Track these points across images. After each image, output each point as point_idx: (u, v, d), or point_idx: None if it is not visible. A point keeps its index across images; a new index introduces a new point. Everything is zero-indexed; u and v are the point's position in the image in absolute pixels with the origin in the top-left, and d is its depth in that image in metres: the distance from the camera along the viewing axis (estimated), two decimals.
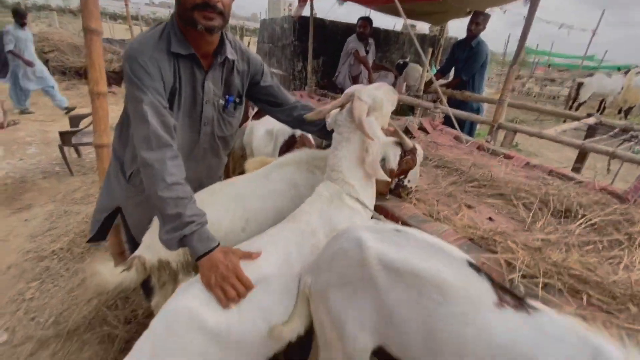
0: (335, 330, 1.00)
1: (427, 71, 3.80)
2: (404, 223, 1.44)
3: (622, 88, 10.06)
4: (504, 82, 2.65)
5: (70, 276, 2.53)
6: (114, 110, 1.96)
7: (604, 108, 10.57)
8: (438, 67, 5.06)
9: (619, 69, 12.55)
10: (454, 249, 0.96)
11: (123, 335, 1.99)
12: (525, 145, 6.88)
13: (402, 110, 4.26)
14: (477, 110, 3.97)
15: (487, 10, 4.19)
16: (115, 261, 1.24)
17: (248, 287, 1.01)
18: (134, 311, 2.16)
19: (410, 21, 4.12)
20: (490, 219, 1.53)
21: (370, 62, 4.67)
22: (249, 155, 2.50)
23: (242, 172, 1.64)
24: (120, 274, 1.16)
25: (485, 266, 1.16)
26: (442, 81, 4.30)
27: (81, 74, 8.58)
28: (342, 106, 1.37)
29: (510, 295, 0.85)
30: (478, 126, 4.33)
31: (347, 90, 1.37)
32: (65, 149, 4.18)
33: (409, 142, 1.48)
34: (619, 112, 10.57)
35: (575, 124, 3.21)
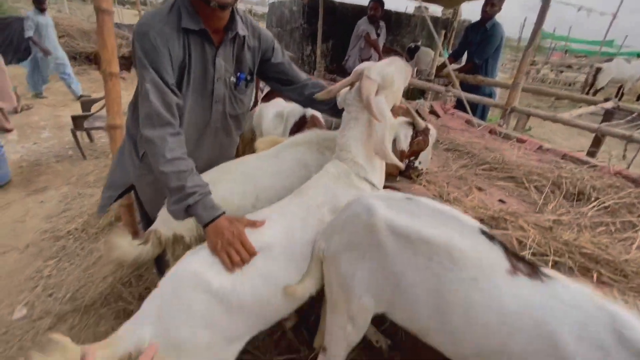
0: (343, 291, 1.05)
1: (440, 55, 3.72)
2: None
3: None
4: (519, 65, 2.58)
5: (86, 255, 2.61)
6: (124, 96, 1.97)
7: (622, 95, 10.22)
8: (450, 52, 4.94)
9: (638, 55, 12.07)
10: (467, 217, 0.96)
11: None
12: (538, 133, 6.73)
13: (413, 94, 4.19)
14: (490, 96, 3.87)
15: None
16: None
17: (251, 253, 1.05)
18: (147, 288, 2.22)
19: (423, 3, 4.00)
20: (501, 201, 1.51)
21: (381, 45, 4.59)
22: (259, 138, 2.50)
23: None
24: (138, 246, 1.21)
25: None
26: (455, 66, 4.20)
27: (91, 59, 8.62)
28: (351, 85, 1.34)
29: (525, 263, 0.84)
30: (490, 112, 4.24)
31: (357, 68, 1.32)
32: (78, 133, 4.25)
33: (421, 122, 1.45)
34: (638, 98, 10.24)
35: (591, 108, 3.12)
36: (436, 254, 0.88)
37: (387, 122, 1.23)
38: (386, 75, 1.25)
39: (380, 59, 4.46)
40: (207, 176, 1.40)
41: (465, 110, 2.63)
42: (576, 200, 1.52)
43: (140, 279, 2.29)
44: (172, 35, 1.19)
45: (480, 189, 1.61)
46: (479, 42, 3.78)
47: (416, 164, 1.57)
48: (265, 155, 1.51)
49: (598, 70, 9.56)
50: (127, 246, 1.19)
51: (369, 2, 4.48)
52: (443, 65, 4.15)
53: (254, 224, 1.11)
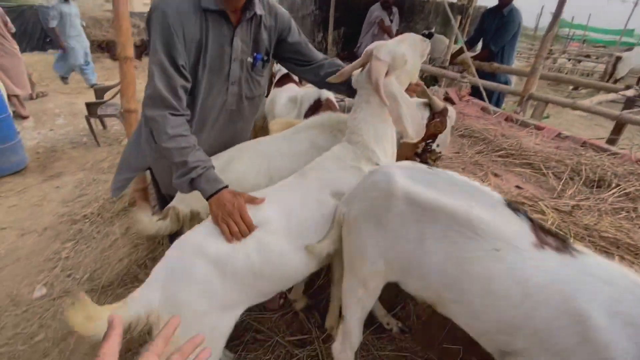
0: (358, 255, 1.07)
1: (455, 42, 3.63)
2: None
3: None
4: (538, 50, 2.51)
5: (102, 238, 2.67)
6: (138, 83, 1.98)
7: None
8: (465, 39, 4.82)
9: None
10: (491, 190, 0.94)
11: None
12: (554, 123, 6.56)
13: (426, 81, 4.12)
14: (505, 84, 3.77)
15: None
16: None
17: (249, 225, 1.09)
18: None
19: None
20: (518, 186, 1.49)
21: (394, 32, 4.50)
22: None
23: None
24: (157, 222, 1.27)
25: None
26: (469, 54, 4.08)
27: (103, 47, 8.68)
28: (363, 66, 1.30)
29: (554, 237, 0.81)
30: (505, 100, 4.13)
31: (367, 48, 1.26)
32: (92, 120, 4.31)
33: (439, 103, 1.40)
34: None
35: (612, 95, 3.03)
36: (456, 223, 0.87)
37: (401, 101, 1.17)
38: (397, 54, 1.19)
39: None
40: (224, 155, 1.41)
41: (480, 98, 2.58)
42: (596, 187, 1.49)
43: (155, 261, 2.31)
44: (189, 14, 1.18)
45: (496, 175, 1.58)
46: (495, 29, 3.66)
47: (434, 146, 1.53)
48: (279, 136, 1.51)
49: (618, 59, 9.26)
50: (147, 221, 1.25)
51: None
52: (457, 53, 4.05)
53: (253, 200, 1.14)
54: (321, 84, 1.52)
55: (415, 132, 1.14)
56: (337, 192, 1.21)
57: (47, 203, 3.20)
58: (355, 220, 1.08)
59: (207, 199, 1.15)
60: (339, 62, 1.50)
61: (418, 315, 1.67)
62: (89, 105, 4.24)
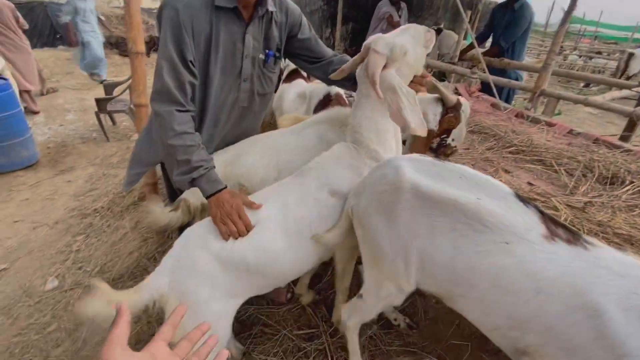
0: (375, 248, 1.07)
1: (464, 39, 3.58)
2: None
3: None
4: (550, 46, 2.47)
5: (112, 232, 2.70)
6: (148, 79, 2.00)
7: None
8: (475, 35, 4.76)
9: None
10: (499, 182, 0.92)
11: None
12: (565, 120, 6.48)
13: (435, 77, 4.08)
14: (516, 80, 3.71)
15: None
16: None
17: (247, 225, 1.12)
18: None
19: None
20: (529, 183, 1.48)
21: None
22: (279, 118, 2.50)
23: None
24: (169, 213, 1.29)
25: None
26: (480, 49, 4.03)
27: (112, 42, 8.74)
28: (363, 60, 1.25)
29: (564, 229, 0.79)
30: (515, 97, 4.07)
31: (366, 42, 1.21)
32: (101, 116, 4.35)
33: (451, 98, 1.36)
34: None
35: (624, 92, 2.97)
36: (464, 216, 0.85)
37: (400, 93, 1.12)
38: (395, 47, 1.15)
39: None
40: (233, 149, 1.42)
41: (490, 94, 2.55)
42: (609, 184, 1.47)
43: (164, 254, 2.34)
44: (200, 9, 1.18)
45: (507, 171, 1.57)
46: (505, 24, 3.60)
47: (449, 141, 1.47)
48: (288, 131, 1.51)
49: (630, 56, 9.07)
50: (159, 212, 1.28)
51: None
52: (467, 49, 3.99)
53: (251, 205, 1.16)
54: (330, 81, 1.50)
55: (417, 125, 1.09)
56: (336, 191, 1.21)
57: (59, 197, 3.25)
58: (365, 214, 1.08)
59: (206, 198, 1.18)
60: (349, 58, 1.47)
61: (426, 311, 1.67)
62: (98, 101, 4.28)
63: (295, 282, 1.77)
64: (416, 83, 1.27)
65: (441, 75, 3.95)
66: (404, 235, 0.98)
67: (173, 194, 1.65)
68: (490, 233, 0.81)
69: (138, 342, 1.66)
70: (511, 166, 1.63)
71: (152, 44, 7.94)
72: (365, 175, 1.16)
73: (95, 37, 6.17)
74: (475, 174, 0.94)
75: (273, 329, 1.67)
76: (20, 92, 4.63)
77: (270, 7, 1.30)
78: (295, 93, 2.27)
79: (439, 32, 4.96)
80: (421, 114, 1.11)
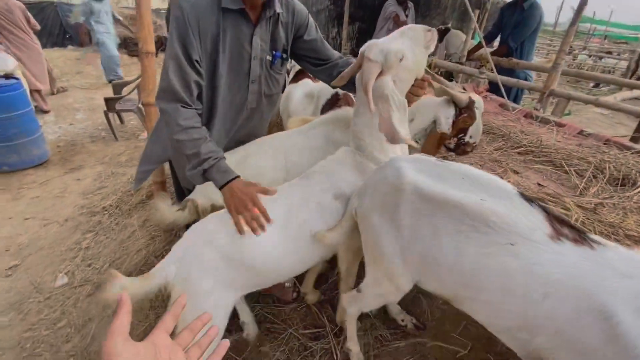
0: (377, 249, 1.08)
1: (472, 38, 3.55)
2: None
3: None
4: (560, 45, 2.44)
5: (120, 230, 2.73)
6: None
7: None
8: (483, 34, 4.71)
9: None
10: (503, 181, 0.91)
11: None
12: (574, 121, 6.38)
13: (442, 76, 4.06)
14: (525, 80, 3.66)
15: None
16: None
17: (263, 213, 1.13)
18: None
19: None
20: (539, 184, 1.46)
21: None
22: (285, 121, 2.49)
23: None
24: (176, 212, 1.32)
25: None
26: (488, 49, 3.99)
27: (120, 42, 8.81)
28: (360, 67, 1.22)
29: (570, 228, 0.77)
30: (523, 97, 4.03)
31: (362, 48, 1.18)
32: (110, 115, 4.40)
33: (462, 98, 1.33)
34: None
35: (635, 92, 2.93)
36: (467, 217, 0.84)
37: (392, 103, 1.10)
38: (390, 52, 1.11)
39: None
40: (241, 150, 1.43)
41: (498, 94, 2.53)
42: (620, 185, 1.45)
43: None
44: (206, 10, 1.19)
45: (516, 172, 1.56)
46: (514, 24, 3.55)
47: (467, 139, 1.44)
48: (296, 132, 1.52)
49: None
50: (166, 209, 1.31)
51: None
52: (475, 49, 3.96)
53: (266, 191, 1.17)
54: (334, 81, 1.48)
55: (405, 135, 1.10)
56: (339, 195, 1.22)
57: (68, 195, 3.30)
58: (368, 215, 1.08)
59: (219, 189, 1.19)
60: (354, 61, 1.47)
61: (432, 312, 1.66)
62: (107, 101, 4.33)
63: (301, 281, 1.77)
64: (417, 87, 1.24)
65: (449, 76, 3.92)
66: (405, 236, 0.97)
67: (181, 193, 1.67)
68: (494, 234, 0.80)
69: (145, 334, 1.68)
70: (520, 167, 1.62)
71: (160, 44, 7.99)
72: (369, 177, 1.16)
73: (109, 38, 6.21)
74: (478, 174, 0.93)
75: (279, 328, 1.67)
76: (31, 91, 4.71)
77: (278, 9, 1.30)
78: (303, 93, 2.27)
79: (446, 31, 4.93)
80: (407, 125, 1.10)
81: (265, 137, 1.52)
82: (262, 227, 1.12)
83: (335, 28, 5.33)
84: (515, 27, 3.54)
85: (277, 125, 2.87)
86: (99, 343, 1.83)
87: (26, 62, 4.87)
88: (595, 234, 1.02)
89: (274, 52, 1.39)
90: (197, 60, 1.22)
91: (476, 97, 1.38)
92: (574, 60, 13.84)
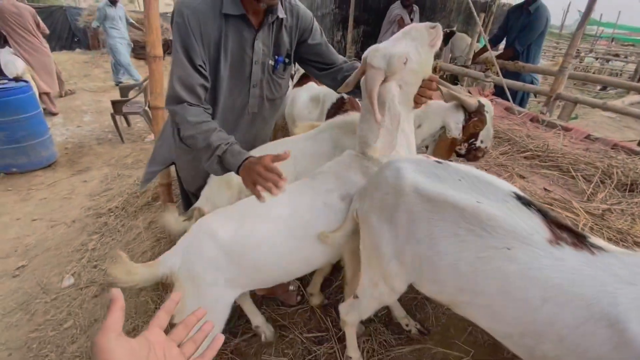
0: (374, 250, 1.07)
1: (477, 42, 3.54)
2: None
3: None
4: (567, 49, 2.43)
5: (126, 231, 2.75)
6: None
7: None
8: (488, 37, 4.70)
9: None
10: (500, 181, 0.89)
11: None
12: (581, 125, 6.32)
13: (447, 80, 4.05)
14: (531, 83, 3.64)
15: None
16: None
17: (279, 174, 1.04)
18: None
19: None
20: (545, 189, 1.45)
21: None
22: (291, 126, 2.49)
23: None
24: (183, 222, 1.33)
25: None
26: (493, 52, 3.98)
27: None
28: (364, 73, 1.20)
29: (569, 232, 0.75)
30: (529, 100, 4.00)
31: (364, 54, 1.15)
32: (117, 117, 4.45)
33: (472, 102, 1.31)
34: None
35: None
36: (464, 219, 0.83)
37: (387, 112, 1.07)
38: (393, 57, 1.07)
39: None
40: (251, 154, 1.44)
41: (504, 97, 2.52)
42: (628, 191, 1.43)
43: None
44: (207, 15, 1.19)
45: (522, 177, 1.55)
46: (521, 27, 3.54)
47: (478, 144, 1.42)
48: (304, 137, 1.52)
49: None
50: (174, 221, 1.32)
51: None
52: (480, 52, 3.95)
53: (279, 158, 1.09)
54: (338, 87, 1.46)
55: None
56: (345, 196, 1.21)
57: (75, 196, 3.33)
58: (368, 216, 1.08)
59: (237, 173, 1.17)
60: (359, 64, 1.44)
61: (437, 317, 1.65)
62: (114, 103, 4.38)
63: (305, 285, 1.77)
64: (425, 88, 1.20)
65: (454, 79, 3.91)
66: (402, 237, 0.97)
67: (186, 195, 1.69)
68: (490, 238, 0.78)
69: None
70: (526, 172, 1.61)
71: (166, 47, 8.06)
72: (369, 178, 1.16)
73: (122, 43, 6.29)
74: (477, 175, 0.91)
75: (283, 331, 1.67)
76: (40, 94, 4.78)
77: (281, 14, 1.30)
78: (308, 96, 2.27)
79: (451, 34, 4.92)
80: (393, 138, 1.07)
81: (273, 142, 1.53)
82: (277, 185, 1.04)
83: (340, 31, 5.35)
84: (521, 31, 3.53)
85: (282, 129, 2.88)
86: None
87: (35, 66, 4.95)
88: (604, 240, 1.01)
89: (276, 56, 1.39)
90: (200, 65, 1.23)
91: (485, 101, 1.35)
92: (580, 63, 13.74)
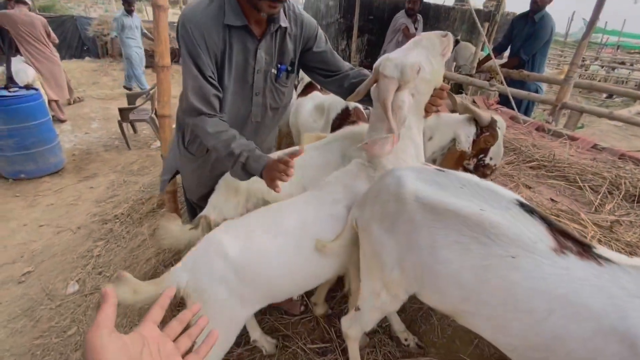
0: (375, 259, 1.06)
1: (482, 50, 3.55)
2: None
3: None
4: (572, 58, 2.43)
5: (131, 238, 2.77)
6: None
7: None
8: (492, 46, 4.71)
9: None
10: (503, 189, 0.88)
11: None
12: (587, 133, 6.28)
13: (451, 89, 4.05)
14: (536, 92, 3.63)
15: None
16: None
17: (284, 161, 1.13)
18: None
19: None
20: (552, 199, 1.44)
21: None
22: (295, 135, 2.49)
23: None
24: (189, 231, 1.30)
25: None
26: (498, 61, 3.98)
27: None
28: (375, 81, 1.21)
29: (574, 241, 0.73)
30: (534, 109, 3.99)
31: (376, 63, 1.16)
32: (124, 125, 4.51)
33: (485, 116, 1.30)
34: None
35: None
36: (467, 227, 0.81)
37: (401, 117, 1.08)
38: (406, 67, 1.07)
39: None
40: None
41: (509, 106, 2.51)
42: (637, 202, 1.41)
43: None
44: (211, 27, 1.21)
45: (528, 187, 1.54)
46: (526, 37, 3.54)
47: (487, 160, 1.41)
48: (312, 147, 1.51)
49: None
50: (178, 232, 1.29)
51: None
52: (484, 60, 3.96)
53: (293, 155, 1.15)
54: (344, 94, 1.47)
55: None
56: (351, 206, 1.21)
57: (82, 202, 3.36)
58: (368, 225, 1.07)
59: (260, 176, 1.22)
60: (366, 72, 1.46)
61: (442, 329, 1.62)
62: (121, 111, 4.44)
63: (309, 294, 1.76)
64: (436, 97, 1.21)
65: (458, 88, 3.91)
66: (404, 246, 0.96)
67: (190, 205, 1.71)
68: (494, 246, 0.77)
69: None
70: (532, 182, 1.60)
71: (173, 55, 8.17)
72: (369, 186, 1.15)
73: (138, 52, 6.39)
74: (479, 183, 0.90)
75: (286, 341, 1.66)
76: (49, 101, 4.86)
77: (283, 23, 1.31)
78: (313, 105, 2.27)
79: (455, 43, 4.93)
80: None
81: (282, 151, 1.53)
82: (286, 173, 1.13)
83: (344, 40, 5.40)
84: (526, 40, 3.53)
85: (287, 136, 2.89)
86: None
87: (45, 74, 5.04)
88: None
89: (279, 65, 1.39)
90: (210, 76, 1.25)
91: (498, 118, 1.35)
92: (586, 71, 13.70)
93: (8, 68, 4.04)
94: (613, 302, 0.64)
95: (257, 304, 1.21)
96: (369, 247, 1.09)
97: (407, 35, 4.37)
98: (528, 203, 0.83)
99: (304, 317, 1.77)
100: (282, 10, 1.29)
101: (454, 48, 4.87)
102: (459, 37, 5.30)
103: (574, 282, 0.68)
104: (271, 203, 1.40)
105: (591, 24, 2.35)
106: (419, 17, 4.52)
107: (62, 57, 6.57)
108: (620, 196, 1.41)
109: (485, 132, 1.33)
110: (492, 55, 2.91)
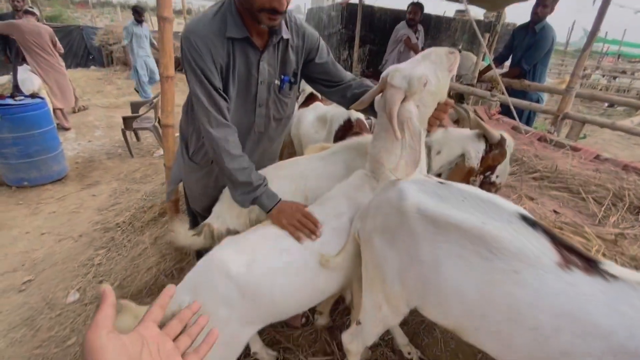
0: (377, 272, 1.05)
1: (482, 60, 3.57)
2: None
3: None
4: (574, 68, 2.44)
5: (132, 247, 2.76)
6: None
7: None
8: (493, 56, 4.73)
9: None
10: (504, 202, 0.87)
11: None
12: (589, 143, 6.27)
13: (453, 99, 4.07)
14: (537, 102, 3.64)
15: None
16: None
17: (314, 222, 1.19)
18: None
19: (467, 5, 3.88)
20: (555, 211, 1.43)
21: (420, 49, 4.52)
22: (297, 145, 2.50)
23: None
24: (192, 237, 1.31)
25: None
26: (499, 71, 4.00)
27: None
28: (382, 91, 1.22)
29: (579, 256, 0.72)
30: (536, 119, 3.99)
31: (384, 73, 1.18)
32: (127, 133, 4.54)
33: (495, 134, 1.30)
34: None
35: None
36: (469, 241, 0.80)
37: (407, 129, 1.07)
38: (413, 79, 1.10)
39: None
40: (264, 172, 1.45)
41: (511, 116, 2.52)
42: None
43: (181, 271, 2.39)
44: (215, 40, 1.22)
45: (531, 199, 1.53)
46: (527, 47, 3.56)
47: (493, 178, 1.41)
48: (316, 157, 1.51)
49: None
50: (183, 233, 1.31)
51: (408, 6, 4.44)
52: (485, 70, 3.98)
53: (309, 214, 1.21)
54: (347, 104, 1.48)
55: (407, 165, 1.06)
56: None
57: (84, 210, 3.37)
58: (370, 237, 1.06)
59: (267, 212, 1.27)
60: (368, 82, 1.48)
61: (446, 342, 1.60)
62: (125, 119, 4.47)
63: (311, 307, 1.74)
64: (440, 111, 1.22)
65: (460, 98, 3.93)
66: (405, 259, 0.95)
67: (192, 213, 1.71)
68: (497, 260, 0.75)
69: None
70: (535, 193, 1.59)
71: (177, 64, 8.27)
72: (371, 199, 1.15)
73: (146, 61, 6.44)
74: (480, 195, 0.89)
75: (287, 353, 1.64)
76: (54, 109, 4.91)
77: (285, 35, 1.32)
78: (315, 116, 2.28)
79: None
80: (418, 155, 1.06)
81: (284, 161, 1.53)
82: (315, 232, 1.17)
83: (346, 50, 5.45)
84: (527, 50, 3.55)
85: (289, 146, 2.90)
86: None
87: (51, 83, 5.10)
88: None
89: (282, 76, 1.40)
90: (219, 88, 1.26)
91: (508, 137, 1.35)
92: (587, 80, 13.74)
93: (14, 77, 4.10)
94: (622, 321, 0.63)
95: (261, 323, 1.18)
96: (370, 259, 1.08)
97: (409, 46, 4.41)
98: (531, 216, 0.82)
99: (305, 330, 1.75)
100: (283, 22, 1.31)
101: None
102: (459, 47, 5.34)
103: (581, 299, 0.67)
104: None
105: (592, 35, 2.37)
106: (420, 27, 4.56)
107: (68, 66, 6.67)
108: (625, 208, 1.40)
109: (494, 149, 1.33)
110: (493, 65, 2.93)
